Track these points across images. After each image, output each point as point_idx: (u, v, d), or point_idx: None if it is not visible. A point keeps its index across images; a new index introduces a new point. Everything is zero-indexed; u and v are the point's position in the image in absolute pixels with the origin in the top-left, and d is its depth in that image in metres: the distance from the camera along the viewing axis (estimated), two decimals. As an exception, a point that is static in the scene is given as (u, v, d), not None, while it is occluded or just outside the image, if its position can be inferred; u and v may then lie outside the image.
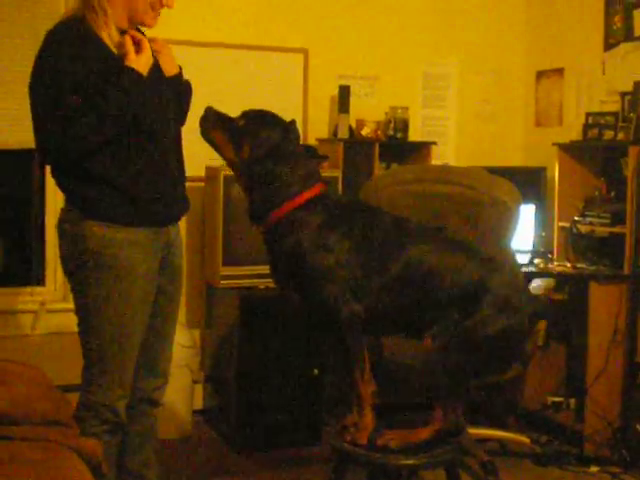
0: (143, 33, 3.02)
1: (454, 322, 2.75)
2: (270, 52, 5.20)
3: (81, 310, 2.98)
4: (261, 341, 4.57)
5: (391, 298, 2.79)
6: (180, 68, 3.14)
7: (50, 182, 4.60)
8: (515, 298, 2.80)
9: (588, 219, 4.84)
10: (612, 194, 4.88)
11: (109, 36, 2.89)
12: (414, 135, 5.45)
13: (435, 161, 5.35)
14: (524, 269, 4.56)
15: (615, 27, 5.06)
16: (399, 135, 5.33)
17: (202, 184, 4.90)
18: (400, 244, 2.82)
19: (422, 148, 5.37)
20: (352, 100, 5.21)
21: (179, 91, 3.13)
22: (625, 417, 4.53)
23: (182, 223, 4.81)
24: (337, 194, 2.97)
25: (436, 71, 5.70)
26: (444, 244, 2.87)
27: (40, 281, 4.90)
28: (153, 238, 3.00)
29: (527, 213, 4.95)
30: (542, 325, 3.10)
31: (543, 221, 5.25)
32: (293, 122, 2.90)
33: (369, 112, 5.35)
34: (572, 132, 5.25)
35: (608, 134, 4.91)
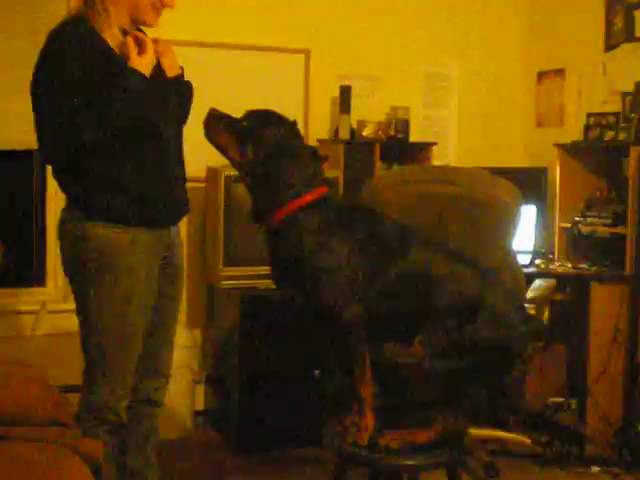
0: (145, 33, 3.02)
1: (446, 332, 2.76)
2: (271, 53, 5.20)
3: (82, 311, 2.98)
4: (262, 341, 4.57)
5: (388, 304, 2.79)
6: (182, 69, 3.14)
7: (51, 183, 4.60)
8: (511, 317, 2.82)
9: (589, 220, 4.84)
10: (613, 194, 4.88)
11: (111, 36, 2.89)
12: (415, 136, 5.45)
13: (436, 162, 5.35)
14: (525, 270, 4.56)
15: (616, 28, 5.06)
16: (400, 136, 5.33)
17: (203, 185, 4.90)
18: (402, 251, 2.82)
19: (423, 149, 5.37)
20: (353, 101, 5.21)
21: (181, 92, 3.13)
22: (626, 418, 4.53)
23: (183, 224, 4.82)
24: (341, 197, 2.98)
25: (437, 71, 5.70)
26: (445, 254, 2.87)
27: (41, 282, 4.89)
28: (154, 239, 3.00)
29: (528, 214, 4.95)
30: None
31: (544, 222, 5.24)
32: (294, 123, 2.91)
33: (370, 113, 5.34)
34: (573, 133, 5.25)
35: (609, 134, 4.91)
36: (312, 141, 5.19)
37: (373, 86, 5.48)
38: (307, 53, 5.30)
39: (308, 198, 2.81)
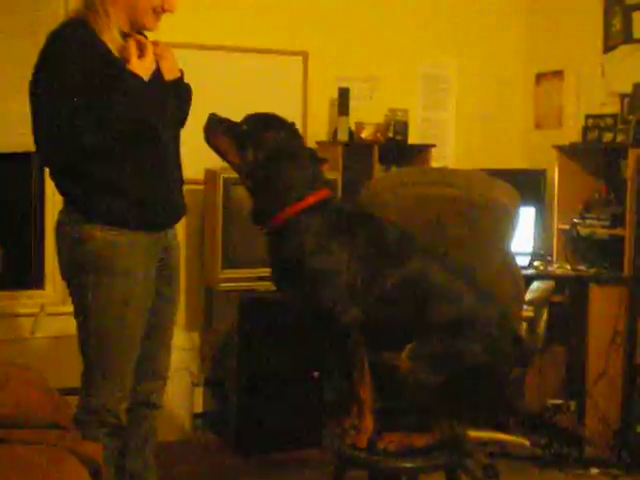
0: (146, 37, 3.02)
1: (434, 346, 2.76)
2: (270, 55, 5.20)
3: (80, 313, 2.98)
4: (260, 344, 4.57)
5: (386, 310, 2.80)
6: (181, 72, 3.14)
7: (49, 185, 4.60)
8: (502, 341, 2.82)
9: (588, 221, 4.84)
10: (612, 196, 4.88)
11: (111, 39, 2.89)
12: (414, 137, 5.45)
13: (434, 163, 5.35)
14: (524, 272, 4.55)
15: (614, 29, 5.06)
16: (398, 137, 5.33)
17: (201, 187, 4.90)
18: (401, 259, 2.83)
19: (422, 150, 5.37)
20: (351, 103, 5.21)
21: (179, 95, 3.13)
22: (625, 419, 4.53)
23: (182, 226, 4.84)
24: (342, 200, 2.98)
25: (436, 73, 5.70)
26: (446, 268, 2.88)
27: (40, 284, 4.89)
28: (151, 241, 3.00)
29: (527, 215, 4.95)
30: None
31: (543, 223, 5.25)
32: (293, 124, 2.91)
33: (368, 114, 5.34)
34: (572, 134, 5.25)
35: (607, 136, 4.91)
36: (311, 143, 5.18)
37: (371, 88, 5.49)
38: (305, 55, 5.30)
39: (310, 201, 2.82)
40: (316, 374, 4.63)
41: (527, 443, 4.59)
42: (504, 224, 3.20)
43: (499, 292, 3.12)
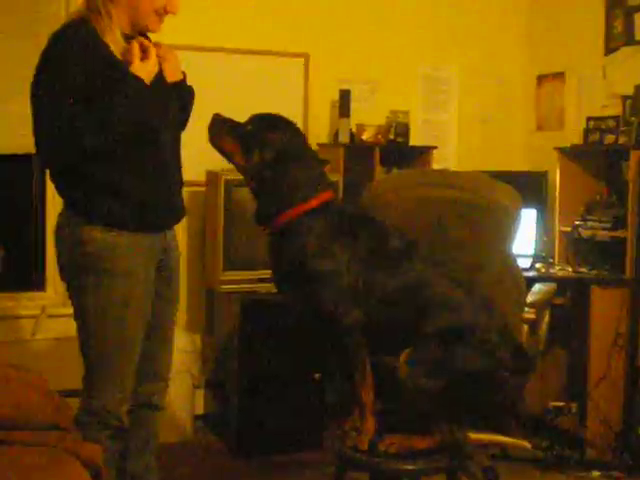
0: (149, 39, 3.02)
1: (432, 353, 2.76)
2: (271, 57, 5.20)
3: (80, 315, 2.98)
4: (262, 346, 4.56)
5: (387, 313, 2.80)
6: (184, 74, 3.13)
7: (51, 187, 4.58)
8: (501, 348, 2.82)
9: (589, 223, 4.83)
10: (613, 198, 4.87)
11: (113, 40, 2.88)
12: (415, 139, 5.45)
13: (436, 165, 5.34)
14: (525, 274, 4.55)
15: (616, 31, 5.06)
16: (400, 139, 5.33)
17: (203, 189, 4.90)
18: (403, 264, 2.83)
19: (423, 152, 5.37)
20: (353, 104, 5.21)
21: (182, 97, 3.13)
22: (627, 421, 4.53)
23: (183, 228, 4.85)
24: (346, 202, 2.98)
25: (437, 75, 5.70)
26: (447, 276, 2.88)
27: (41, 286, 4.89)
28: (151, 243, 3.00)
29: (528, 217, 4.95)
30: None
31: (544, 225, 5.24)
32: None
33: (370, 116, 5.34)
34: (573, 136, 5.25)
35: (609, 138, 4.91)
36: (312, 145, 5.17)
37: (373, 90, 5.48)
38: (306, 57, 5.30)
39: (313, 203, 2.82)
40: (317, 376, 4.63)
41: (528, 445, 4.57)
42: (505, 226, 3.20)
43: (500, 294, 3.12)
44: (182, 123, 3.17)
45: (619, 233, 4.63)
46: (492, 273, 3.12)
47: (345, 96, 5.19)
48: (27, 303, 4.78)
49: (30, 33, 4.52)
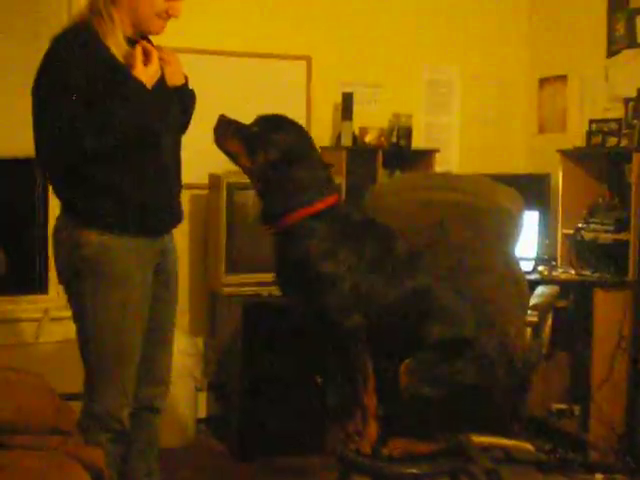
0: (151, 42, 3.02)
1: (432, 364, 2.77)
2: (273, 59, 5.20)
3: (79, 319, 2.98)
4: (264, 349, 4.56)
5: (386, 321, 2.80)
6: (186, 78, 3.13)
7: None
8: (498, 366, 2.82)
9: (592, 226, 4.83)
10: (616, 201, 4.86)
11: (115, 43, 2.88)
12: (417, 142, 5.44)
13: (438, 168, 5.34)
14: (528, 277, 4.55)
15: (618, 34, 5.05)
16: (402, 142, 5.32)
17: (205, 191, 4.90)
18: (407, 274, 2.83)
19: (425, 155, 5.36)
20: (355, 107, 5.21)
21: (183, 101, 3.13)
22: (630, 424, 4.52)
23: (185, 230, 4.86)
24: (351, 207, 2.98)
25: (439, 78, 5.70)
26: (451, 289, 2.88)
27: (43, 289, 4.89)
28: (148, 246, 3.00)
29: (531, 220, 4.94)
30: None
31: (547, 228, 5.23)
32: None
33: (372, 119, 5.34)
34: (575, 139, 5.24)
35: (612, 140, 4.90)
36: (315, 147, 5.19)
37: (375, 93, 5.48)
38: (309, 60, 5.30)
39: (318, 207, 2.81)
40: (319, 379, 4.62)
41: (531, 448, 4.58)
42: (508, 229, 3.20)
43: (503, 297, 3.12)
44: (183, 126, 3.17)
45: (622, 236, 4.62)
46: (495, 276, 3.12)
47: (348, 99, 5.19)
48: (30, 306, 4.78)
49: (32, 36, 4.52)
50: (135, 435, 3.12)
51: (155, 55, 2.91)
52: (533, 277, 4.73)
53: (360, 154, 5.19)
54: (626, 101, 4.92)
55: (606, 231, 4.73)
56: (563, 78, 5.51)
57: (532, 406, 4.96)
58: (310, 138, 2.95)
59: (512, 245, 3.22)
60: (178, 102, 3.08)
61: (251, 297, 4.64)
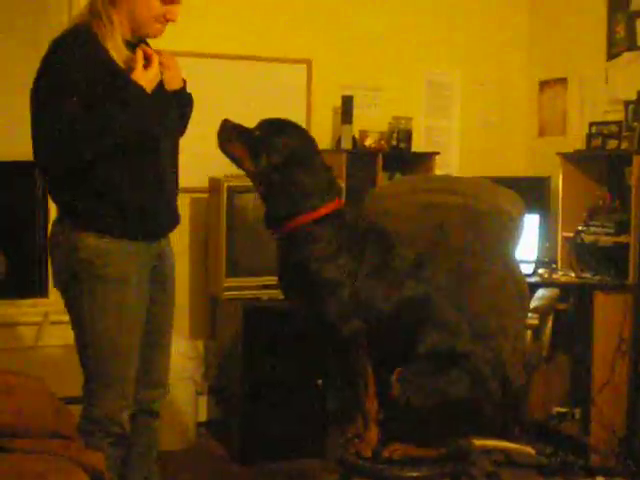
0: (149, 45, 3.02)
1: (423, 375, 2.77)
2: (273, 63, 5.21)
3: (76, 323, 2.98)
4: (265, 352, 4.56)
5: (384, 328, 2.80)
6: (184, 82, 3.13)
7: (53, 193, 4.59)
8: (491, 382, 2.83)
9: (592, 229, 4.83)
10: (616, 203, 4.86)
11: (115, 47, 2.88)
12: (417, 145, 5.45)
13: (438, 171, 5.34)
14: (528, 279, 4.55)
15: (618, 36, 5.06)
16: (402, 145, 5.32)
17: (205, 195, 4.89)
18: (408, 283, 2.84)
19: (425, 158, 5.36)
20: (355, 111, 5.21)
21: (181, 105, 3.12)
22: (630, 427, 4.52)
23: (185, 234, 4.86)
24: (354, 212, 2.98)
25: (439, 81, 5.70)
26: (450, 301, 2.88)
27: (43, 293, 4.89)
28: (145, 249, 3.00)
29: (531, 223, 4.94)
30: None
31: (547, 231, 5.24)
32: None
33: (372, 122, 5.34)
34: (575, 141, 5.24)
35: (612, 143, 4.90)
36: (315, 151, 5.18)
37: (375, 96, 5.48)
38: (309, 63, 5.30)
39: (322, 212, 2.81)
40: (320, 382, 4.62)
41: (532, 451, 4.58)
42: (508, 231, 3.20)
43: (503, 300, 3.11)
44: (180, 131, 3.17)
45: (622, 238, 4.62)
46: (495, 278, 3.12)
47: (348, 102, 5.19)
48: (30, 310, 4.78)
49: (32, 37, 4.52)
50: (135, 439, 3.12)
51: (156, 59, 2.91)
52: (533, 280, 4.73)
53: (360, 157, 5.20)
54: (626, 104, 4.92)
55: (606, 234, 4.73)
56: (563, 81, 5.51)
57: (533, 409, 4.97)
58: (313, 141, 2.94)
59: (512, 248, 3.22)
60: (176, 106, 3.08)
61: (251, 301, 4.63)
